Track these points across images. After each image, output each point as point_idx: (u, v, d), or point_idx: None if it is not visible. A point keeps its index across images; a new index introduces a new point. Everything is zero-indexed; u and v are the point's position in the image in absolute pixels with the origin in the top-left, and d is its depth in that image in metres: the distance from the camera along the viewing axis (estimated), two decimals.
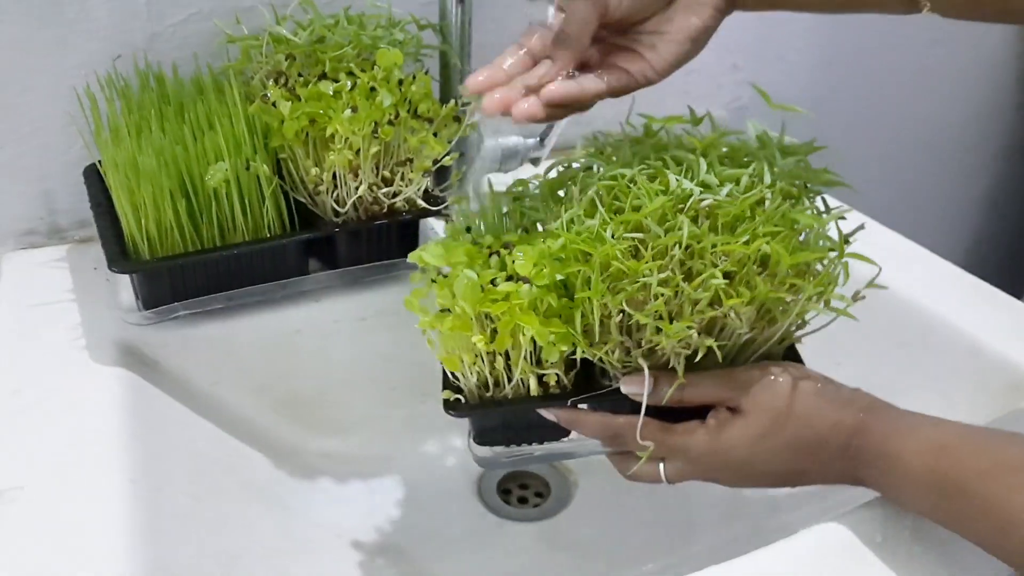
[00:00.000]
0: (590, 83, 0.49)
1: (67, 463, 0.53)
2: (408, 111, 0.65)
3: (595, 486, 0.72)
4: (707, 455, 0.49)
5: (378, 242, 0.68)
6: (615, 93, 0.50)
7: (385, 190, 0.66)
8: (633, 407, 0.49)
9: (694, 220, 0.46)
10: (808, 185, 0.51)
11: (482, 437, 0.55)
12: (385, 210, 0.67)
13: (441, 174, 0.70)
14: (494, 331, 0.49)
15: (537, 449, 0.55)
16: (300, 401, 0.70)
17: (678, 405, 0.49)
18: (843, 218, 0.50)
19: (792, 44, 0.99)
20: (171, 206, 0.60)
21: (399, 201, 0.67)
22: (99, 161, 0.65)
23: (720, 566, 0.47)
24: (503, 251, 0.50)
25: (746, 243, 0.45)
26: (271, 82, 0.65)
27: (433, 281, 0.50)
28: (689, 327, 0.46)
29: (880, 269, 0.50)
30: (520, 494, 0.72)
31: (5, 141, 0.69)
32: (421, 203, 0.67)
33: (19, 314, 0.65)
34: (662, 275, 0.45)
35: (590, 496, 0.72)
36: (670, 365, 0.49)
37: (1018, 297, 1.24)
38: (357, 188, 0.64)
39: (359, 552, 0.65)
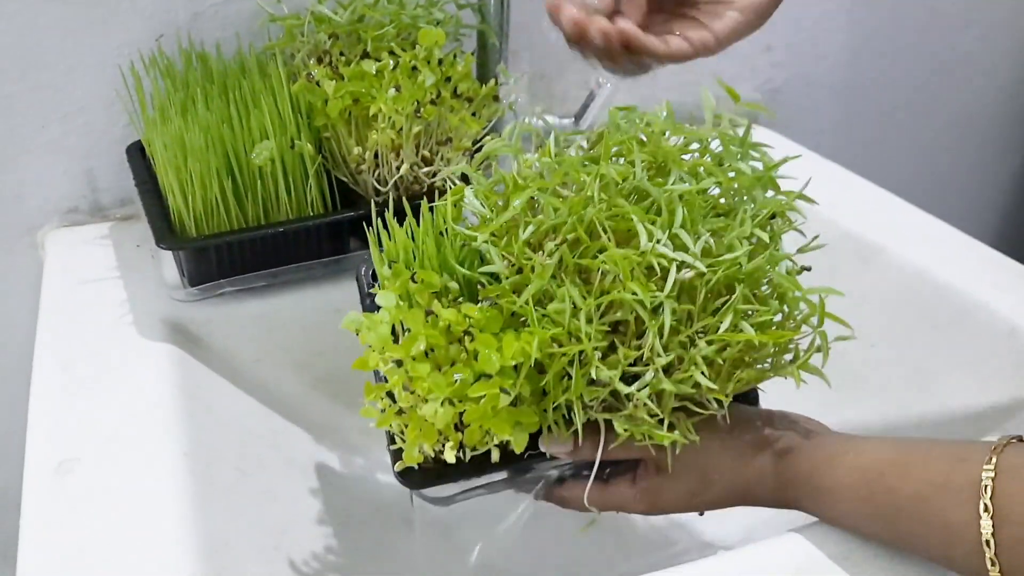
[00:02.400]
0: (652, 40, 0.49)
1: (120, 436, 0.54)
2: (449, 91, 0.65)
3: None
4: (647, 511, 0.52)
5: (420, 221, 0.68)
6: (674, 58, 0.50)
7: (425, 169, 0.66)
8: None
9: (673, 295, 0.43)
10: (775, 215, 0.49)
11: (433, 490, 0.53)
12: (425, 189, 0.67)
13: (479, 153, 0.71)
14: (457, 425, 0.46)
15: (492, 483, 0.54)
16: (339, 378, 0.71)
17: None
18: (831, 292, 0.48)
19: (825, 26, 0.99)
20: (217, 184, 0.61)
21: (439, 180, 0.67)
22: (143, 139, 0.66)
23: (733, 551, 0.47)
24: (465, 339, 0.46)
25: (731, 327, 0.43)
26: (313, 61, 0.65)
27: (377, 376, 0.47)
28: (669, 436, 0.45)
29: (852, 330, 0.48)
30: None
31: (49, 120, 0.70)
32: (460, 182, 0.68)
33: (66, 291, 0.66)
34: (647, 381, 0.43)
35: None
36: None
37: None
38: (399, 167, 0.65)
39: (399, 526, 0.67)
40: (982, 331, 0.68)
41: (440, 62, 0.65)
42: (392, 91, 0.61)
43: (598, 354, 0.44)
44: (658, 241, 0.43)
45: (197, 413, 0.58)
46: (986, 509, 0.38)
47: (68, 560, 0.46)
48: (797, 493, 0.47)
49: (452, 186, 0.52)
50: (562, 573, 0.65)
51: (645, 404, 0.44)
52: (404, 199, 0.55)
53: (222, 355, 0.65)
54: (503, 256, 0.48)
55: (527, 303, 0.45)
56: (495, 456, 0.48)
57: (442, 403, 0.44)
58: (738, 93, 0.53)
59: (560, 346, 0.44)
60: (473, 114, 0.67)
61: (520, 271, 0.47)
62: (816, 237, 0.50)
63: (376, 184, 0.66)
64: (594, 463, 0.49)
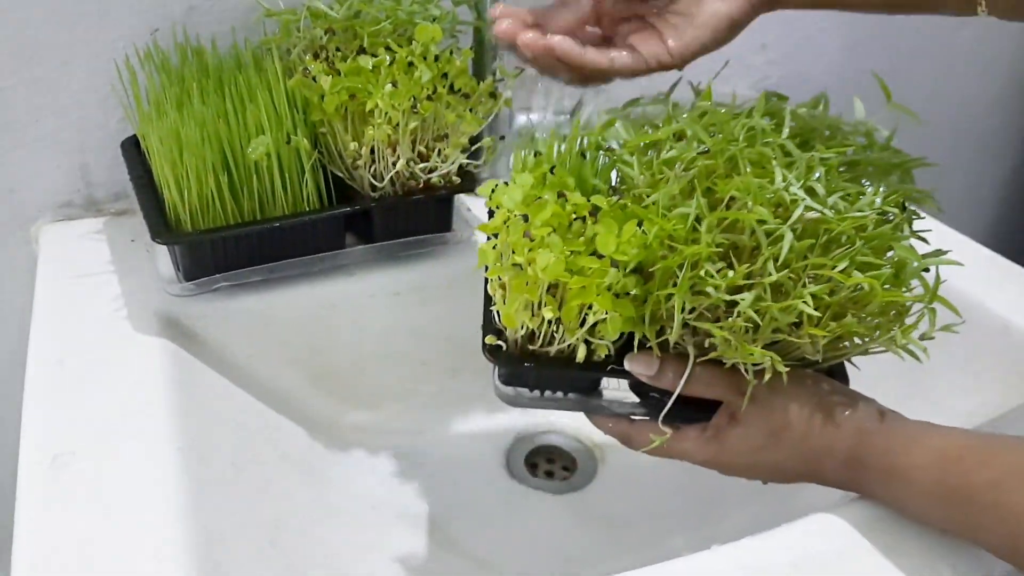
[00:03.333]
0: (592, 55, 0.49)
1: (114, 430, 0.54)
2: (445, 87, 0.65)
3: (621, 461, 0.73)
4: (709, 462, 0.51)
5: (414, 217, 0.68)
6: (621, 73, 0.50)
7: (422, 166, 0.66)
8: (654, 389, 0.50)
9: (794, 232, 0.44)
10: (905, 204, 0.50)
11: (511, 380, 0.54)
12: (421, 185, 0.67)
13: (476, 150, 0.71)
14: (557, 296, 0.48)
15: (562, 399, 0.54)
16: (334, 374, 0.71)
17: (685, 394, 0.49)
18: (952, 263, 0.49)
19: (819, 24, 0.99)
20: (213, 178, 0.61)
21: (435, 177, 0.67)
22: (138, 133, 0.66)
23: (728, 546, 0.47)
24: (589, 218, 0.48)
25: (844, 271, 0.44)
26: (309, 56, 0.65)
27: (506, 224, 0.49)
28: (760, 357, 0.45)
29: (963, 320, 0.49)
30: (547, 468, 0.73)
31: (44, 114, 0.70)
32: (456, 179, 0.68)
33: (61, 285, 0.66)
34: (754, 294, 0.44)
35: (616, 471, 0.73)
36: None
37: None
38: (395, 163, 0.65)
39: (392, 521, 0.67)
40: (976, 329, 0.69)
41: (437, 58, 0.65)
42: (389, 87, 0.61)
43: (709, 265, 0.45)
44: (791, 184, 0.45)
45: (192, 408, 0.58)
46: None
47: (63, 553, 0.46)
48: (867, 473, 0.47)
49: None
50: (556, 569, 0.65)
51: (747, 318, 0.44)
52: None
53: (217, 350, 0.65)
54: (641, 171, 0.50)
55: (656, 203, 0.47)
56: (581, 354, 0.49)
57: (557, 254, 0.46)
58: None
59: (675, 245, 0.45)
60: (470, 110, 0.67)
61: (651, 188, 0.49)
62: (947, 251, 0.50)
63: (372, 180, 0.66)
64: (667, 403, 0.49)
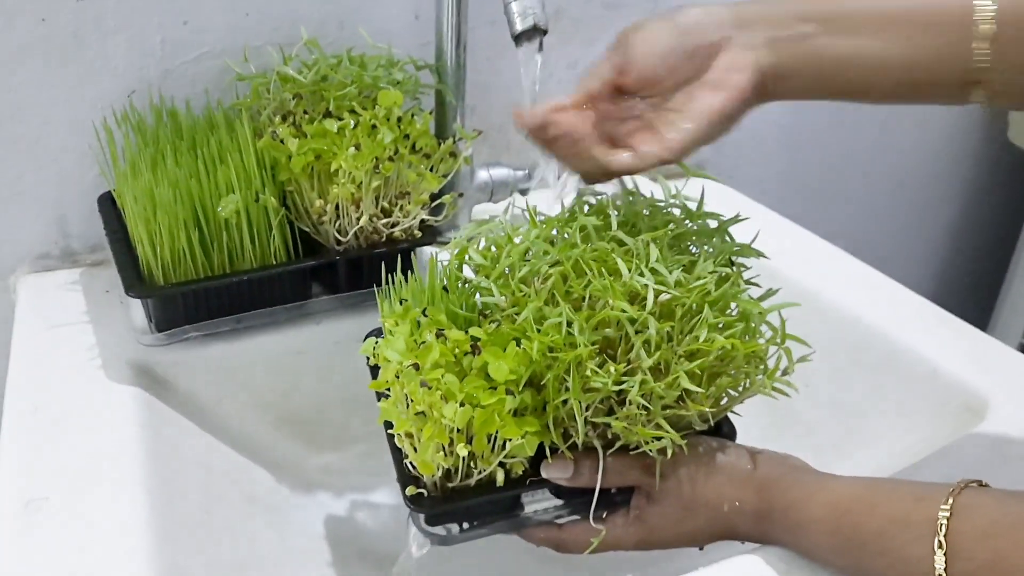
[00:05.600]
0: (599, 150, 0.50)
1: (87, 475, 0.57)
2: (407, 148, 0.69)
3: None
4: (639, 544, 0.55)
5: (377, 269, 0.71)
6: (625, 171, 0.51)
7: (384, 221, 0.70)
8: (571, 488, 0.54)
9: (655, 316, 0.48)
10: (732, 260, 0.55)
11: (438, 521, 0.55)
12: (384, 239, 0.71)
13: (438, 205, 0.75)
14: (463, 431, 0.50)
15: (491, 524, 0.57)
16: (301, 419, 0.74)
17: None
18: (786, 306, 0.53)
19: None
20: (185, 235, 0.64)
21: (397, 231, 0.71)
22: (114, 190, 0.69)
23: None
24: (472, 354, 0.51)
25: (707, 341, 0.48)
26: (278, 119, 0.69)
27: (397, 376, 0.51)
28: (659, 435, 0.49)
29: (814, 350, 0.53)
30: None
31: (24, 170, 0.73)
32: (418, 233, 0.72)
33: (37, 334, 0.68)
34: (637, 379, 0.48)
35: None
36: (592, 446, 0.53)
37: (986, 324, 1.29)
38: (358, 219, 0.69)
39: (356, 561, 0.69)
40: (907, 373, 0.73)
41: (399, 120, 0.70)
42: (352, 149, 0.65)
43: (592, 363, 0.48)
44: (639, 272, 0.49)
45: (162, 453, 0.61)
46: (940, 546, 0.42)
47: None
48: (776, 527, 0.51)
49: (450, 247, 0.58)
50: None
51: (639, 404, 0.48)
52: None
53: (187, 397, 0.68)
54: (502, 292, 0.53)
55: (527, 319, 0.50)
56: (500, 478, 0.53)
57: (460, 403, 0.49)
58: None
59: (557, 354, 0.49)
60: (431, 169, 0.72)
61: (516, 307, 0.53)
62: (777, 290, 0.55)
63: (337, 234, 0.69)
64: (589, 504, 0.53)
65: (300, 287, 0.71)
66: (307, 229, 0.70)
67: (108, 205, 0.72)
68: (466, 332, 0.52)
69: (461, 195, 0.76)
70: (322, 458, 0.75)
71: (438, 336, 0.51)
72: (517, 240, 0.55)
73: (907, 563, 0.43)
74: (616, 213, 0.55)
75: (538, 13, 0.61)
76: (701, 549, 0.56)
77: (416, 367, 0.50)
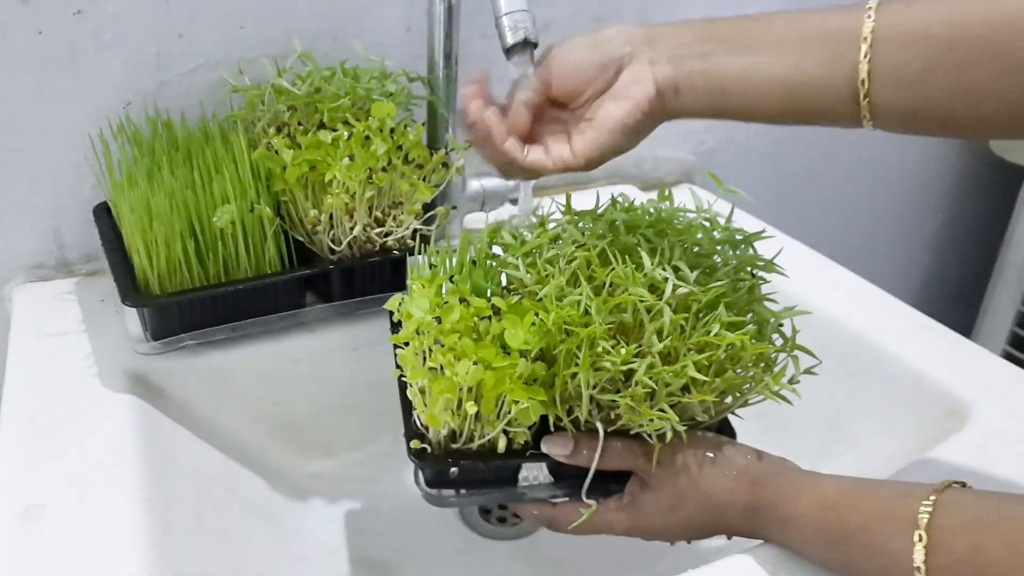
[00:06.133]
0: (511, 144, 0.52)
1: (83, 483, 0.57)
2: (400, 158, 0.70)
3: None
4: (630, 530, 0.56)
5: (371, 278, 0.73)
6: (534, 168, 0.53)
7: (378, 230, 0.71)
8: (571, 469, 0.55)
9: (670, 307, 0.51)
10: (753, 272, 0.57)
11: (436, 482, 0.57)
12: (377, 248, 0.72)
13: (430, 215, 0.76)
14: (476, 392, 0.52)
15: (486, 493, 0.58)
16: (295, 426, 0.75)
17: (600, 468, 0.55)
18: (801, 314, 0.56)
19: None
20: (180, 245, 0.65)
21: (391, 240, 0.72)
22: (109, 201, 0.70)
23: None
24: (494, 318, 0.54)
25: (718, 335, 0.50)
26: (273, 130, 0.70)
27: (417, 332, 0.54)
28: (660, 417, 0.51)
29: (820, 361, 0.56)
30: (499, 514, 0.77)
31: (20, 181, 0.73)
32: (411, 242, 0.73)
33: (33, 344, 0.69)
34: (646, 361, 0.50)
35: None
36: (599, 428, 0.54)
37: (970, 331, 1.31)
38: (352, 229, 0.70)
39: (348, 567, 0.70)
40: (891, 379, 0.74)
41: (392, 131, 0.71)
42: (346, 160, 0.66)
43: (604, 342, 0.50)
44: (661, 266, 0.51)
45: (157, 461, 0.61)
46: (920, 539, 0.43)
47: None
48: (765, 522, 0.52)
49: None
50: None
51: (644, 384, 0.50)
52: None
53: (182, 405, 0.68)
54: (528, 271, 0.56)
55: (548, 295, 0.52)
56: (502, 445, 0.54)
57: (473, 362, 0.51)
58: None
59: (572, 329, 0.51)
60: (424, 179, 0.73)
61: (540, 284, 0.55)
62: (794, 307, 0.56)
63: (331, 244, 0.70)
64: (582, 485, 0.54)
65: (294, 296, 0.71)
66: (301, 239, 0.71)
67: (104, 215, 0.72)
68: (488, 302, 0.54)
69: (454, 207, 0.78)
70: (317, 465, 0.75)
71: (461, 302, 0.54)
72: (550, 226, 0.58)
73: (888, 556, 0.44)
74: (647, 217, 0.58)
75: (529, 27, 0.62)
76: (689, 542, 0.57)
77: (438, 320, 0.53)
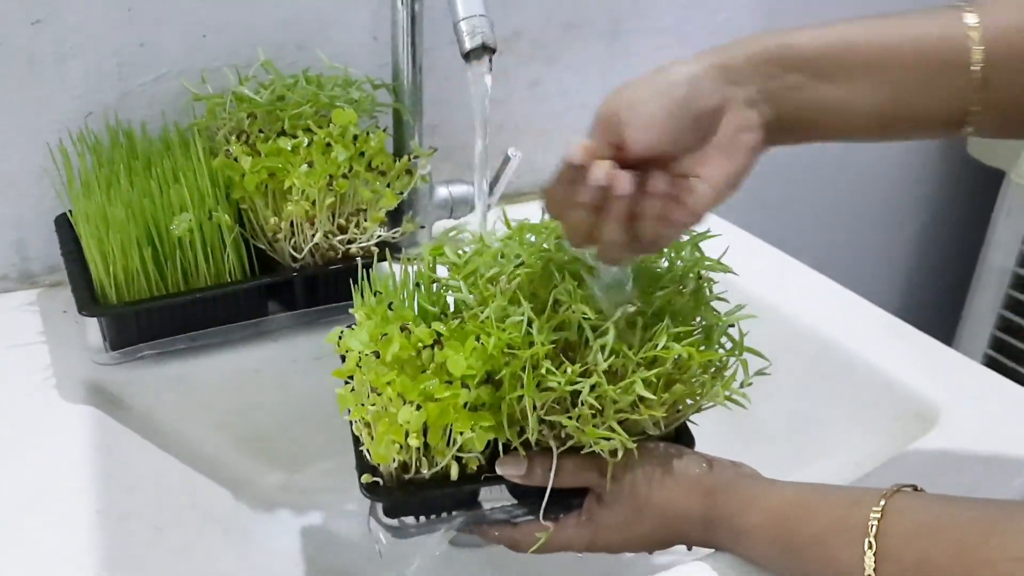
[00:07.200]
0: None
1: (37, 495, 0.57)
2: (363, 165, 0.70)
3: None
4: (589, 546, 0.56)
5: (334, 286, 0.72)
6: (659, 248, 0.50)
7: (340, 238, 0.71)
8: (528, 489, 0.55)
9: (616, 324, 0.50)
10: (701, 273, 0.56)
11: (394, 512, 0.56)
12: (340, 256, 0.71)
13: (395, 221, 0.75)
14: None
15: (447, 518, 0.57)
16: (259, 436, 0.74)
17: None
18: (747, 317, 0.55)
19: None
20: (138, 253, 0.64)
21: (354, 248, 0.71)
22: (70, 211, 0.70)
23: None
24: (434, 348, 0.52)
25: (665, 347, 0.49)
26: (233, 138, 0.70)
27: (358, 366, 0.53)
28: (609, 436, 0.50)
29: (770, 362, 0.55)
30: None
31: None
32: (375, 250, 0.72)
33: None
34: (591, 381, 0.49)
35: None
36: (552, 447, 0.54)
37: (951, 337, 1.30)
38: (313, 236, 0.69)
39: None
40: (864, 383, 0.74)
41: (355, 138, 0.70)
42: (304, 166, 0.66)
43: (548, 362, 0.49)
44: None
45: (114, 472, 0.60)
46: (870, 546, 0.42)
47: None
48: (720, 533, 0.51)
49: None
50: None
51: (591, 405, 0.49)
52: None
53: (142, 416, 0.68)
54: (471, 291, 0.55)
55: (489, 317, 0.51)
56: (454, 472, 0.53)
57: (416, 407, 0.50)
58: None
59: (515, 352, 0.50)
60: (388, 186, 0.72)
61: (483, 305, 0.54)
62: (743, 307, 0.56)
63: (292, 251, 0.70)
64: (541, 504, 0.54)
65: (256, 305, 0.71)
66: (263, 247, 0.71)
67: (65, 225, 0.72)
68: (430, 327, 0.53)
69: (423, 228, 0.78)
70: (282, 476, 0.74)
71: (402, 330, 0.52)
72: (494, 244, 0.57)
73: (839, 567, 0.44)
74: None
75: (487, 32, 0.62)
76: (650, 553, 0.56)
77: (377, 355, 0.52)
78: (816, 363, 0.76)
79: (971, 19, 0.45)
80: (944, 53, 0.45)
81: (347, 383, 0.55)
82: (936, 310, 1.38)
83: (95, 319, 0.67)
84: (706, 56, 0.47)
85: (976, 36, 0.45)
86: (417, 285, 0.58)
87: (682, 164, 0.46)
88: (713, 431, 0.60)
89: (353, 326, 0.57)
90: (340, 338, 0.55)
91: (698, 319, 0.53)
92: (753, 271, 0.84)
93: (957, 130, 0.47)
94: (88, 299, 0.65)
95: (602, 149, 0.45)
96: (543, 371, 0.49)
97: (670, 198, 0.46)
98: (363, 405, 0.53)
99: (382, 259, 0.73)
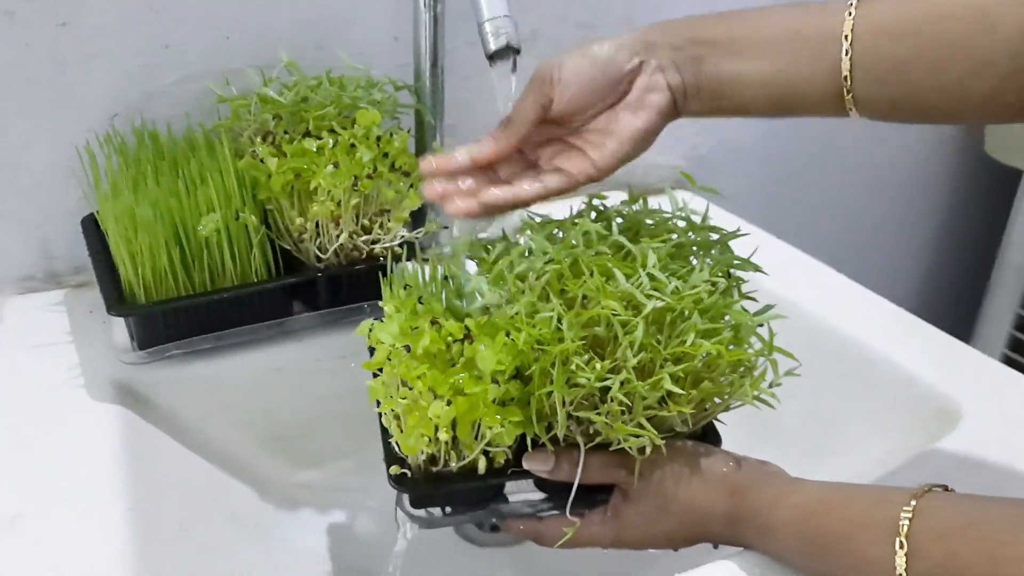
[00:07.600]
0: (526, 187, 0.54)
1: (67, 493, 0.57)
2: (386, 166, 0.70)
3: None
4: (614, 542, 0.56)
5: (358, 286, 0.73)
6: (554, 193, 0.54)
7: (365, 238, 0.71)
8: (555, 484, 0.55)
9: (645, 320, 0.50)
10: (730, 272, 0.57)
11: (421, 503, 0.57)
12: (364, 256, 0.72)
13: (419, 222, 0.76)
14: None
15: (473, 511, 0.58)
16: (283, 435, 0.75)
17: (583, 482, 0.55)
18: (776, 317, 0.55)
19: None
20: (165, 254, 0.65)
21: (378, 248, 0.72)
22: (96, 212, 0.70)
23: None
24: (464, 342, 0.53)
25: (693, 345, 0.50)
26: (259, 139, 0.70)
27: (388, 359, 0.53)
28: (638, 433, 0.50)
29: (799, 363, 0.55)
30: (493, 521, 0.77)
31: (7, 194, 0.74)
32: (399, 250, 0.73)
33: (21, 355, 0.69)
34: (620, 377, 0.49)
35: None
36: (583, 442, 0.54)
37: (970, 335, 1.30)
38: (338, 236, 0.70)
39: None
40: (883, 381, 0.74)
41: (379, 139, 0.71)
42: (330, 167, 0.66)
43: (577, 358, 0.50)
44: (637, 277, 0.51)
45: (142, 471, 0.61)
46: (901, 546, 0.43)
47: None
48: (746, 530, 0.52)
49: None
50: None
51: (620, 401, 0.50)
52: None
53: (168, 415, 0.68)
54: (495, 290, 0.56)
55: (519, 313, 0.52)
56: (482, 466, 0.54)
57: (447, 402, 0.50)
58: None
59: (544, 347, 0.50)
60: (411, 186, 0.73)
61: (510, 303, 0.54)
62: (772, 306, 0.56)
63: (317, 251, 0.70)
64: (568, 499, 0.54)
65: (281, 304, 0.71)
66: (288, 247, 0.71)
67: (91, 227, 0.72)
68: (461, 322, 0.54)
69: (446, 228, 0.78)
70: (305, 475, 0.75)
71: (432, 324, 0.53)
72: (522, 240, 0.58)
73: (868, 564, 0.44)
74: (620, 220, 0.57)
75: (511, 32, 0.62)
76: (676, 550, 0.57)
77: (408, 349, 0.52)
78: (835, 361, 0.77)
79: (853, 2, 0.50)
80: (825, 29, 0.51)
81: (376, 375, 0.56)
82: (953, 309, 1.38)
83: (122, 319, 0.68)
84: (631, 31, 0.55)
85: (853, 11, 0.50)
86: (446, 279, 0.59)
87: (599, 120, 0.54)
88: (733, 431, 0.61)
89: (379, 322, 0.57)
90: (371, 330, 0.55)
91: (726, 317, 0.53)
92: (771, 269, 0.84)
93: (841, 106, 0.51)
94: (117, 299, 0.65)
95: (535, 105, 0.54)
96: (572, 367, 0.50)
97: (569, 150, 0.55)
98: (392, 397, 0.53)
99: (408, 258, 0.74)
